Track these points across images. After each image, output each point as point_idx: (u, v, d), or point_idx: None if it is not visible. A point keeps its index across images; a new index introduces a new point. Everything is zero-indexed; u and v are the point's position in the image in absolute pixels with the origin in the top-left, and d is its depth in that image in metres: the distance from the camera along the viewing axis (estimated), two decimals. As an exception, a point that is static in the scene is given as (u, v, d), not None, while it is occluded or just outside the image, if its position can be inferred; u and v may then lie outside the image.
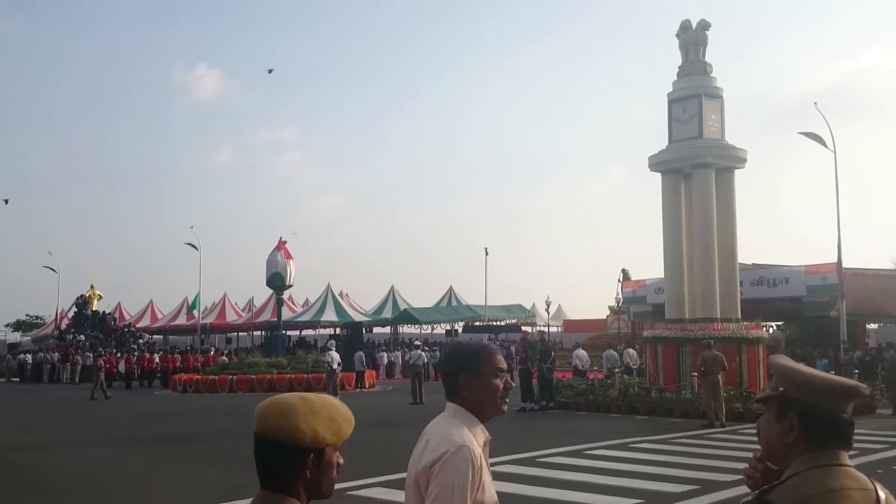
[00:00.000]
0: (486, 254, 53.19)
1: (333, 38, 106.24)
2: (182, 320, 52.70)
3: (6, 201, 50.53)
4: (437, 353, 37.92)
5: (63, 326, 49.99)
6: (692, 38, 21.25)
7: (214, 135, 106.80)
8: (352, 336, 37.59)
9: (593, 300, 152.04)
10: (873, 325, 37.86)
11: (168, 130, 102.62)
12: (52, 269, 56.30)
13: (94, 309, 49.95)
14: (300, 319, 47.90)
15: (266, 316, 46.48)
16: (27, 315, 67.17)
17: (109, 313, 51.33)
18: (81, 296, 50.57)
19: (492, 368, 2.53)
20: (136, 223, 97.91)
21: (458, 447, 2.36)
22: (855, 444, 1.93)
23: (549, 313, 56.35)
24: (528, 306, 54.17)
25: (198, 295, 49.70)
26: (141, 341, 45.99)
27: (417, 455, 2.46)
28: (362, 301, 52.29)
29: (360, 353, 32.00)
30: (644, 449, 13.18)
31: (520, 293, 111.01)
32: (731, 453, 12.41)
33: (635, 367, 24.82)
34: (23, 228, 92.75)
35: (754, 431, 2.08)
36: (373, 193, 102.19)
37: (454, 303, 51.87)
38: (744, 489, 2.06)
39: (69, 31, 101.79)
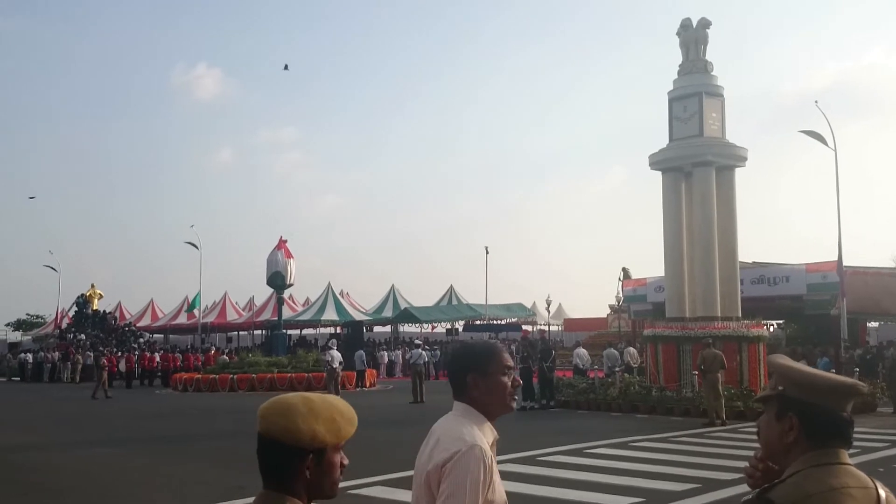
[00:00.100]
0: (487, 253, 53.19)
1: (333, 38, 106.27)
2: (183, 319, 52.69)
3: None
4: (438, 352, 37.95)
5: (63, 326, 49.94)
6: (693, 37, 21.25)
7: (214, 135, 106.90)
8: (352, 335, 37.63)
9: (594, 299, 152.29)
10: (874, 324, 37.89)
11: (168, 130, 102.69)
12: (52, 268, 56.29)
13: (94, 308, 49.87)
14: (301, 318, 47.89)
15: (266, 315, 46.48)
16: (28, 314, 67.18)
17: (110, 312, 51.29)
18: (82, 295, 50.51)
19: (500, 367, 2.52)
20: (137, 222, 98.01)
21: (469, 446, 2.35)
22: (855, 443, 1.93)
23: (549, 312, 56.25)
24: (529, 305, 54.10)
25: (198, 294, 49.70)
26: (141, 340, 45.93)
27: (426, 454, 2.44)
28: (363, 301, 52.33)
29: (361, 352, 32.05)
30: (645, 447, 13.19)
31: (520, 292, 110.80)
32: (732, 452, 12.42)
33: (636, 365, 24.80)
34: (23, 228, 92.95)
35: (755, 430, 2.08)
36: (373, 193, 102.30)
37: (454, 302, 51.77)
38: (744, 487, 2.06)
39: (69, 31, 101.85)
